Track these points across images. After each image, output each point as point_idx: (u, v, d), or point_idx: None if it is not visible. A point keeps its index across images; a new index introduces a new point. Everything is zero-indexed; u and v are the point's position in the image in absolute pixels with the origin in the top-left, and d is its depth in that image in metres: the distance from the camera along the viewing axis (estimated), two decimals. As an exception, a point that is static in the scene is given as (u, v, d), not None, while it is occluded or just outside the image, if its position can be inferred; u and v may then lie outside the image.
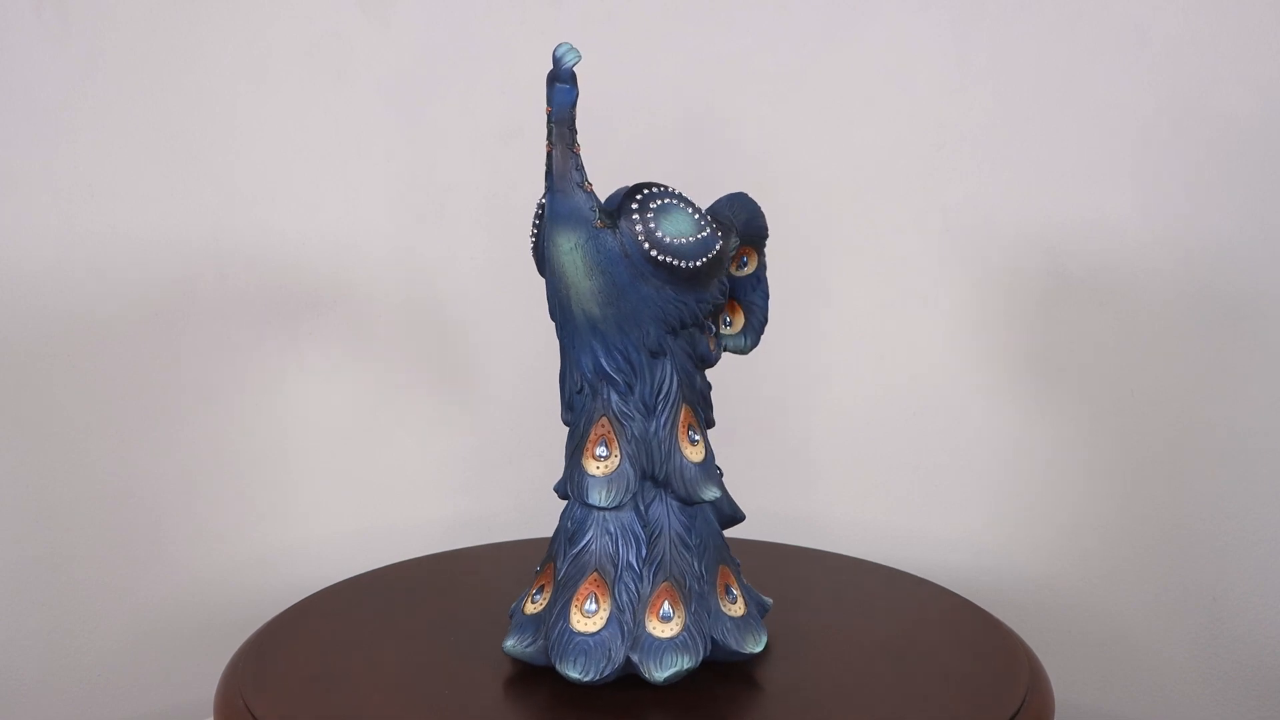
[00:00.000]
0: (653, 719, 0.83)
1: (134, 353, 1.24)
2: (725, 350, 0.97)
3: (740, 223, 0.92)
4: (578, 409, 0.89)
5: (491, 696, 0.87)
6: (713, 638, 0.88)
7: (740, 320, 0.96)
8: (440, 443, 1.41)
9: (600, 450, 0.88)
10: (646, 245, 0.83)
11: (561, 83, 0.81)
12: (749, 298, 0.96)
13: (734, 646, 0.88)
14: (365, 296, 1.36)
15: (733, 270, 0.95)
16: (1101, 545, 1.24)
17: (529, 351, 1.25)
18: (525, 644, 0.89)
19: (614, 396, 0.87)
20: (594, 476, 0.87)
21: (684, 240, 0.84)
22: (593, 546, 0.87)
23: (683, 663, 0.85)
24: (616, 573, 0.87)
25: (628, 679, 0.86)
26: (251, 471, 1.32)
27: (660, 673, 0.85)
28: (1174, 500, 1.20)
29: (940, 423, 1.30)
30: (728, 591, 0.90)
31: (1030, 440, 1.27)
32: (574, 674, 0.85)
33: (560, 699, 0.86)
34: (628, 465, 0.87)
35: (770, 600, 0.95)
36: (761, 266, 0.96)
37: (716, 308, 0.90)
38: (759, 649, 0.89)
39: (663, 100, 1.34)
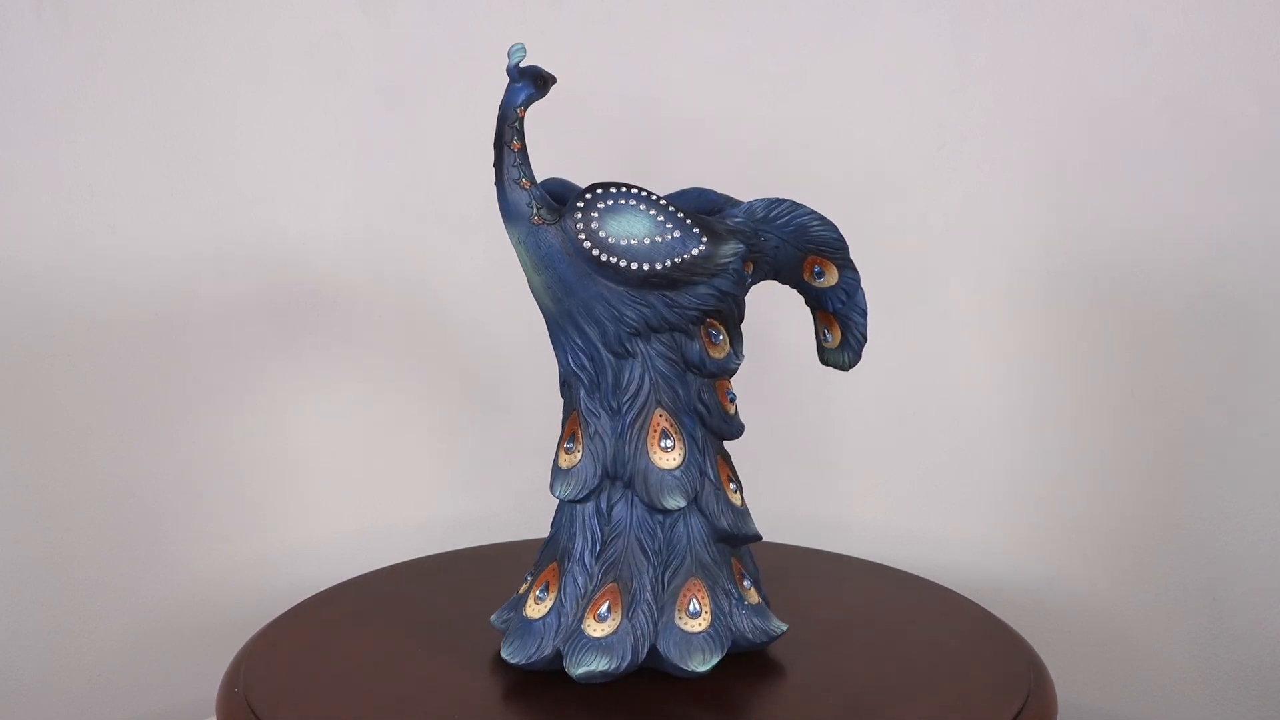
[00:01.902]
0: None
1: (134, 353, 1.24)
2: (826, 365, 0.96)
3: (784, 232, 0.91)
4: (565, 401, 0.90)
5: (491, 697, 0.87)
6: (657, 648, 0.87)
7: (838, 335, 0.95)
8: (440, 443, 1.41)
9: (569, 444, 0.90)
10: (588, 244, 0.84)
11: (512, 81, 0.85)
12: (843, 312, 0.94)
13: (675, 660, 0.87)
14: (365, 296, 1.36)
15: (808, 280, 0.94)
16: (1101, 545, 1.24)
17: (529, 351, 1.24)
18: (502, 620, 0.93)
19: (582, 392, 0.88)
20: (558, 468, 0.90)
21: (632, 241, 0.84)
22: (557, 537, 0.90)
23: (599, 664, 0.86)
24: (568, 565, 0.88)
25: (652, 677, 0.87)
26: (251, 471, 1.31)
27: (575, 669, 0.86)
28: (1174, 500, 1.20)
29: (940, 423, 1.30)
30: (690, 605, 0.88)
31: (1031, 440, 1.27)
32: (504, 653, 0.89)
33: (558, 699, 0.86)
34: (588, 461, 0.88)
35: (784, 626, 0.92)
36: (848, 279, 0.93)
37: (711, 314, 0.88)
38: (703, 669, 0.87)
39: (663, 100, 1.34)
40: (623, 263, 0.84)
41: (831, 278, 0.94)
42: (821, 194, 1.31)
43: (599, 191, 0.85)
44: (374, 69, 1.34)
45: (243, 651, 0.94)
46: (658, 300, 0.85)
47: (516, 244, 0.86)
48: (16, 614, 1.19)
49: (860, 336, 0.95)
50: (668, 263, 0.84)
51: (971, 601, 1.05)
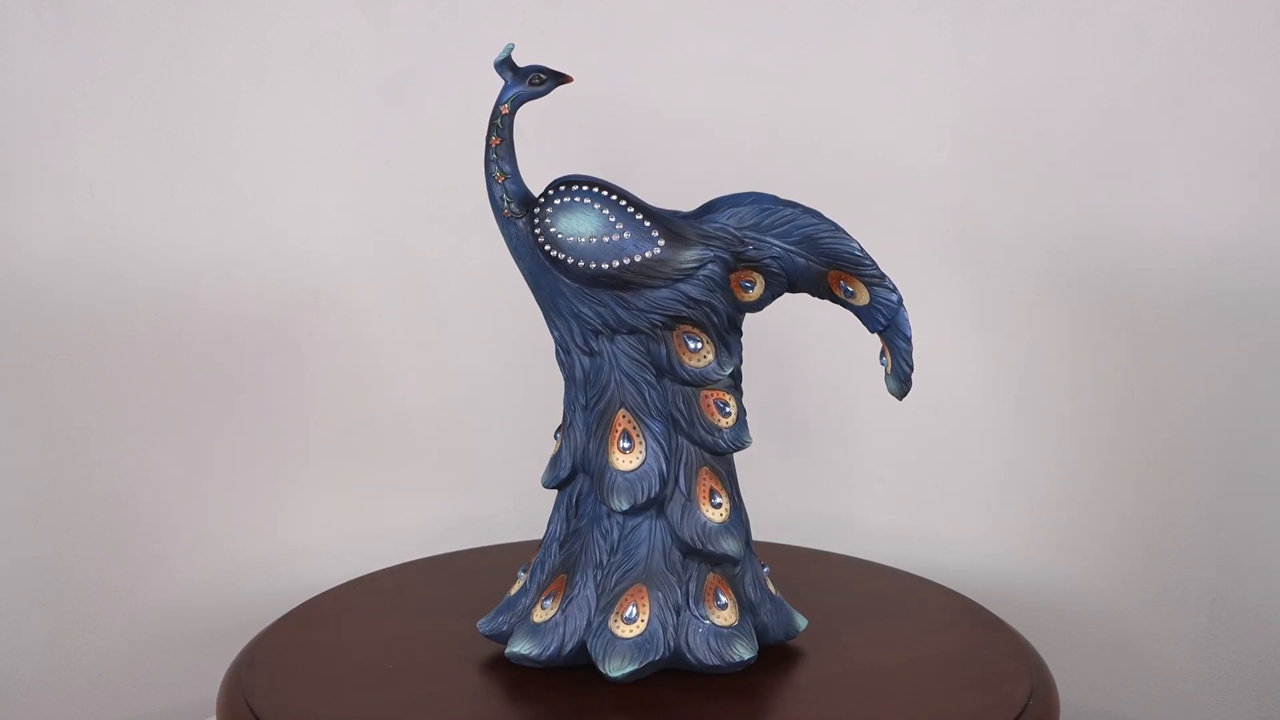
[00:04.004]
0: None
1: (134, 353, 1.24)
2: (889, 392, 0.88)
3: (787, 241, 0.87)
4: None
5: (491, 697, 0.87)
6: (585, 643, 0.87)
7: (891, 359, 0.88)
8: (440, 443, 1.41)
9: (558, 432, 0.92)
10: (541, 239, 0.85)
11: (501, 78, 0.88)
12: (887, 335, 0.87)
13: (597, 659, 0.86)
14: (365, 296, 1.36)
15: (840, 297, 0.88)
16: (1102, 545, 1.24)
17: (529, 351, 1.25)
18: None
19: (566, 384, 0.90)
20: (551, 455, 0.92)
21: (579, 239, 0.85)
22: (547, 523, 0.93)
23: (524, 647, 0.88)
24: (542, 550, 0.91)
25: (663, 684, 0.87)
26: (251, 472, 1.31)
27: (508, 647, 0.89)
28: (1174, 500, 1.20)
29: (941, 423, 1.30)
30: (628, 610, 0.87)
31: (1031, 440, 1.27)
32: (479, 622, 0.93)
33: (556, 698, 0.86)
34: (564, 451, 0.90)
35: (747, 654, 0.88)
36: (882, 300, 0.86)
37: (684, 319, 0.86)
38: (615, 674, 0.85)
39: (663, 100, 1.34)
40: (570, 260, 0.85)
41: (862, 296, 0.87)
42: (821, 194, 1.31)
43: (560, 188, 0.86)
44: (374, 69, 1.34)
45: (243, 652, 0.94)
46: (611, 300, 0.86)
47: (500, 232, 0.89)
48: (16, 614, 1.19)
49: (905, 364, 0.87)
50: (615, 263, 0.84)
51: (972, 601, 1.05)
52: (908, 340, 0.86)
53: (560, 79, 0.89)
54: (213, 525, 1.29)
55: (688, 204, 0.92)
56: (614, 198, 0.86)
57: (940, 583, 1.10)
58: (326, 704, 0.86)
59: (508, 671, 0.90)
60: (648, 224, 0.85)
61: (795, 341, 1.33)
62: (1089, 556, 1.25)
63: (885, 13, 1.27)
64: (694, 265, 0.85)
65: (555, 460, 0.91)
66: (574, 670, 0.88)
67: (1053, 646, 1.18)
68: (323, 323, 1.34)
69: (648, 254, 0.85)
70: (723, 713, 0.84)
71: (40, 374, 1.19)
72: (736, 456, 0.92)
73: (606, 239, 0.84)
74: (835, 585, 1.09)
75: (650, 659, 0.86)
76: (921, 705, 0.85)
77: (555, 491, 0.93)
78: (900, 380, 0.87)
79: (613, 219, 0.85)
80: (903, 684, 0.89)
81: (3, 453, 1.18)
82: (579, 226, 0.85)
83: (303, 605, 1.03)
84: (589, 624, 0.87)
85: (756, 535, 0.96)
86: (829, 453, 1.36)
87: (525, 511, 1.35)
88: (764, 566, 0.94)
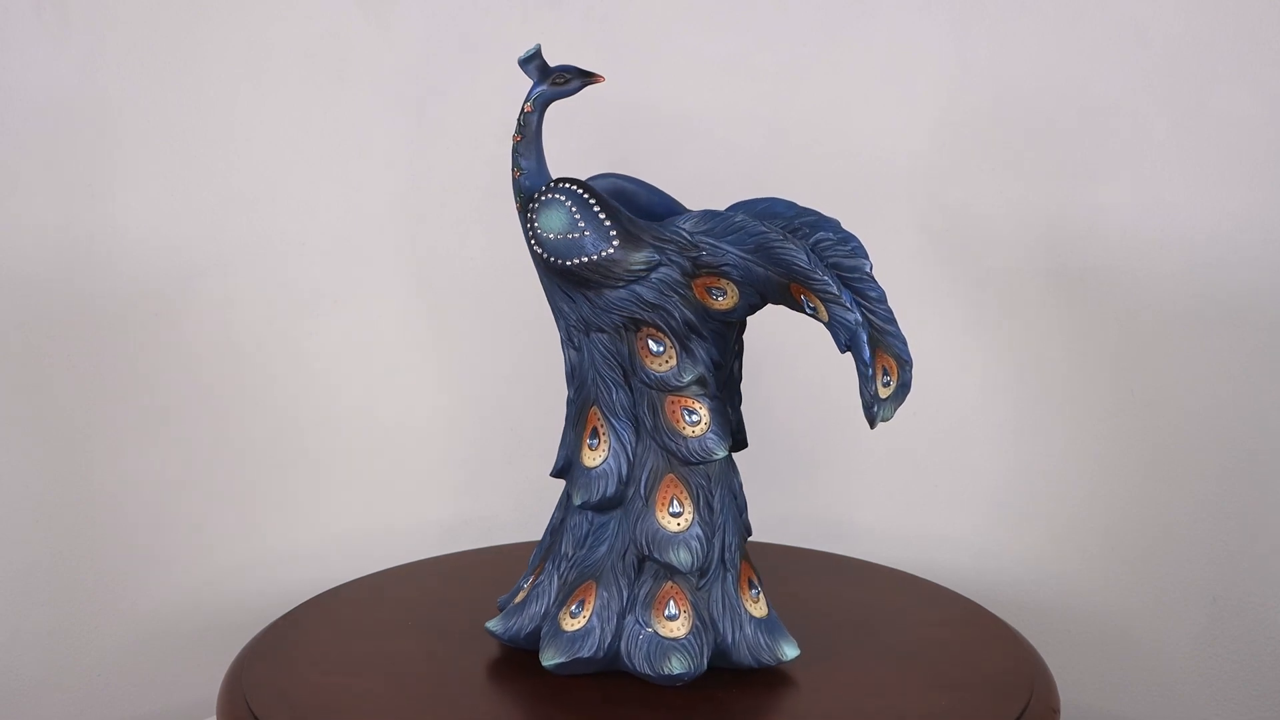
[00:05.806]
0: None
1: (134, 353, 1.24)
2: None
3: (742, 248, 0.82)
4: None
5: (491, 697, 0.87)
6: (542, 630, 0.89)
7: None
8: (440, 443, 1.41)
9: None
10: (530, 234, 0.88)
11: (526, 75, 0.90)
12: (855, 358, 0.79)
13: (540, 646, 0.88)
14: (365, 297, 1.36)
15: (806, 312, 0.83)
16: (1102, 545, 1.24)
17: (529, 352, 1.25)
18: None
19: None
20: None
21: (550, 235, 0.87)
22: None
23: (495, 625, 0.93)
24: (543, 536, 0.94)
25: (631, 685, 0.88)
26: (251, 472, 1.31)
27: (488, 622, 0.93)
28: (1174, 500, 1.20)
29: (940, 423, 1.30)
30: (574, 605, 0.88)
31: (1030, 440, 1.27)
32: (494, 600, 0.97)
33: (558, 697, 0.86)
34: (563, 444, 0.92)
35: (680, 670, 0.86)
36: (841, 320, 0.79)
37: (645, 323, 0.85)
38: (546, 665, 0.87)
39: (663, 100, 1.34)
40: (544, 255, 0.87)
41: (822, 313, 0.81)
42: (821, 193, 1.31)
43: (551, 184, 0.88)
44: (374, 69, 1.34)
45: (243, 653, 0.94)
46: (580, 298, 0.87)
47: None
48: (16, 614, 1.19)
49: (865, 392, 0.80)
50: (575, 260, 0.85)
51: (972, 601, 1.05)
52: (868, 365, 0.78)
53: (589, 78, 0.90)
54: (212, 525, 1.29)
55: (688, 204, 0.92)
56: (585, 195, 0.86)
57: (939, 583, 1.10)
58: (326, 705, 0.86)
59: (510, 677, 0.90)
60: (608, 224, 0.85)
61: (794, 339, 1.32)
62: (1089, 556, 1.25)
63: (885, 12, 1.27)
64: (643, 267, 0.84)
65: (558, 451, 0.93)
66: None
67: (1052, 646, 1.18)
68: (323, 323, 1.34)
69: (602, 253, 0.85)
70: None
71: (39, 374, 1.19)
72: (737, 456, 0.91)
73: (571, 236, 0.86)
74: (833, 585, 1.09)
75: (579, 655, 0.87)
76: (919, 705, 0.85)
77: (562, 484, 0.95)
78: (864, 407, 0.81)
79: (578, 217, 0.86)
80: (900, 684, 0.89)
81: (2, 452, 1.18)
82: (551, 223, 0.86)
83: (303, 605, 1.03)
84: (546, 612, 0.90)
85: (755, 535, 0.96)
86: (828, 452, 1.36)
87: (525, 511, 1.35)
88: (754, 588, 0.90)
